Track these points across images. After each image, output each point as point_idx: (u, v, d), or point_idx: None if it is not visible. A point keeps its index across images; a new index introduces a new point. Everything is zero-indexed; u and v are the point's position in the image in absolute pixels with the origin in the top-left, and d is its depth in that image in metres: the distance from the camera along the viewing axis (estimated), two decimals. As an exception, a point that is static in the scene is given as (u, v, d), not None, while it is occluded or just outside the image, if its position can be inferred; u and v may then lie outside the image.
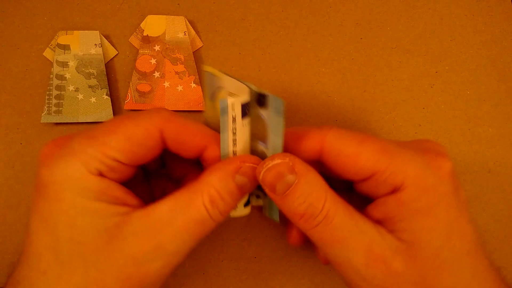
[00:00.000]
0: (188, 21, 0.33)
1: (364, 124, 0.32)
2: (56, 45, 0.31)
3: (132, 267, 0.19)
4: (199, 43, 0.33)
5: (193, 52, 0.32)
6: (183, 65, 0.32)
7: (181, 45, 0.32)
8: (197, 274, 0.28)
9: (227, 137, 0.21)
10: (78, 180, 0.19)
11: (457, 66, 0.33)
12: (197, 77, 0.32)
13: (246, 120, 0.21)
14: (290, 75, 0.32)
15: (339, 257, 0.21)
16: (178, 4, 0.34)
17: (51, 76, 0.31)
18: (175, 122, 0.21)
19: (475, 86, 0.33)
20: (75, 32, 0.32)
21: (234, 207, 0.22)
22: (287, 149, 0.22)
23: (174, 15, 0.33)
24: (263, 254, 0.29)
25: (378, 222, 0.21)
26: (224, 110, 0.20)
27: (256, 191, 0.24)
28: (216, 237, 0.29)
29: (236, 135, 0.22)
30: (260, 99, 0.21)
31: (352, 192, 0.24)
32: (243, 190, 0.21)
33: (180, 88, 0.31)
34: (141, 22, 0.32)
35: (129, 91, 0.31)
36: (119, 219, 0.19)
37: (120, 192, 0.20)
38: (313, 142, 0.22)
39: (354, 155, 0.21)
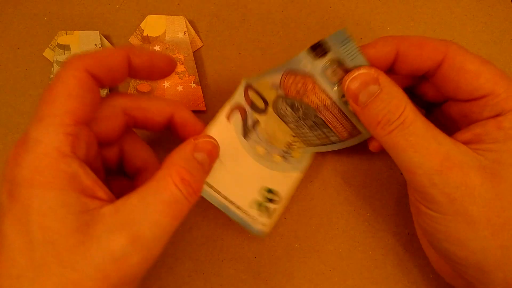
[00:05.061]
0: (188, 21, 0.33)
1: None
2: (56, 45, 0.31)
3: (110, 264, 0.18)
4: (199, 43, 0.33)
5: (193, 52, 0.32)
6: (183, 65, 0.32)
7: (181, 45, 0.32)
8: (197, 274, 0.28)
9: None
10: (47, 167, 0.18)
11: (457, 66, 0.33)
12: (197, 77, 0.32)
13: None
14: (290, 75, 0.33)
15: (411, 162, 0.21)
16: (178, 4, 0.34)
17: (51, 76, 0.31)
18: (89, 56, 0.21)
19: (475, 86, 0.33)
20: (75, 32, 0.32)
21: (202, 184, 0.22)
22: (406, 55, 0.23)
23: (174, 15, 0.33)
24: (263, 254, 0.29)
25: (466, 142, 0.21)
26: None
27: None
28: (216, 237, 0.29)
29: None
30: (316, 51, 0.23)
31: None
32: (204, 166, 0.22)
33: (180, 88, 0.31)
34: (141, 22, 0.32)
35: (129, 91, 0.31)
36: (90, 216, 0.19)
37: (89, 180, 0.19)
38: (436, 52, 0.22)
39: (475, 73, 0.21)
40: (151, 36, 0.32)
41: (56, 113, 0.19)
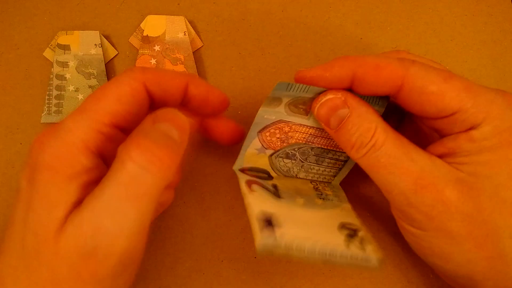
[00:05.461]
0: (188, 21, 0.33)
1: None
2: (56, 45, 0.31)
3: (78, 261, 0.17)
4: (199, 43, 0.33)
5: (193, 52, 0.32)
6: (183, 65, 0.32)
7: (181, 45, 0.32)
8: (197, 274, 0.28)
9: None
10: (65, 156, 0.18)
11: (457, 66, 0.33)
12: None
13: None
14: (290, 75, 0.32)
15: (386, 183, 0.21)
16: (178, 4, 0.34)
17: (51, 76, 0.31)
18: (152, 72, 0.21)
19: (475, 86, 0.33)
20: (75, 32, 0.32)
21: (175, 156, 0.19)
22: (362, 79, 0.21)
23: (174, 15, 0.33)
24: (263, 254, 0.29)
25: (439, 156, 0.21)
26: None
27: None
28: (216, 237, 0.29)
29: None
30: (271, 104, 0.22)
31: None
32: (174, 138, 0.19)
33: (180, 88, 0.31)
34: (141, 22, 0.32)
35: (129, 91, 0.31)
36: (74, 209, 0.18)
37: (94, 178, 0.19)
38: (394, 76, 0.21)
39: (438, 93, 0.20)
40: (151, 36, 0.32)
41: (98, 110, 0.19)
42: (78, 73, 0.31)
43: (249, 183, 0.24)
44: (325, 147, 0.25)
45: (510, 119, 0.20)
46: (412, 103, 0.21)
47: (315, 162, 0.26)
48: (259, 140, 0.24)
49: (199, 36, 0.33)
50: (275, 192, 0.24)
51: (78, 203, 0.18)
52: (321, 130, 0.24)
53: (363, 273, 0.29)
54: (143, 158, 0.17)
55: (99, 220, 0.17)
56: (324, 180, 0.28)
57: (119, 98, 0.20)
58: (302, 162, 0.26)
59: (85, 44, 0.31)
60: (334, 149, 0.25)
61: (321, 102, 0.22)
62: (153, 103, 0.22)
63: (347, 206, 0.26)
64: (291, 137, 0.24)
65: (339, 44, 0.33)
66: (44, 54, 0.32)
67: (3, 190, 0.29)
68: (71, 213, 0.18)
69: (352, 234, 0.23)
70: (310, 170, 0.26)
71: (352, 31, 0.33)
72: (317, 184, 0.27)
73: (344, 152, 0.25)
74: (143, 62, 0.31)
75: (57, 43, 0.31)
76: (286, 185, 0.25)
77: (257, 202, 0.22)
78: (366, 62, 0.21)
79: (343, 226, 0.23)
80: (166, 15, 0.32)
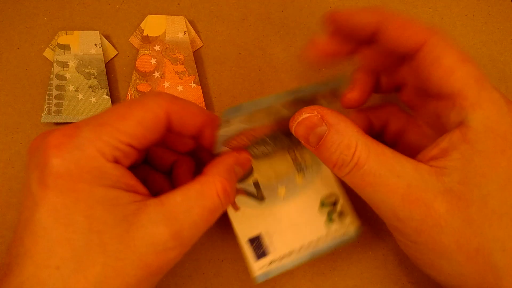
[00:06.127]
0: (188, 21, 0.33)
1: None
2: (56, 45, 0.31)
3: (152, 255, 0.19)
4: (199, 43, 0.33)
5: (193, 52, 0.32)
6: (183, 65, 0.32)
7: (181, 45, 0.32)
8: (197, 274, 0.28)
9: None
10: (95, 169, 0.19)
11: (457, 66, 0.33)
12: (197, 77, 0.32)
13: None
14: (290, 75, 0.32)
15: (373, 200, 0.21)
16: (178, 4, 0.34)
17: (51, 76, 0.31)
18: (179, 104, 0.22)
19: (475, 86, 0.33)
20: (75, 32, 0.32)
21: (235, 193, 0.24)
22: (389, 31, 0.21)
23: (174, 15, 0.33)
24: (263, 254, 0.29)
25: (433, 158, 0.21)
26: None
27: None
28: (216, 237, 0.29)
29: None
30: (221, 125, 0.22)
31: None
32: (237, 177, 0.24)
33: (180, 88, 0.31)
34: (141, 22, 0.32)
35: (129, 91, 0.31)
36: (136, 207, 0.19)
37: (132, 180, 0.20)
38: (417, 37, 0.21)
39: (448, 69, 0.20)
40: (151, 36, 0.32)
41: (120, 128, 0.20)
42: (78, 73, 0.31)
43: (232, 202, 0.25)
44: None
45: (507, 125, 0.20)
46: (421, 70, 0.21)
47: (287, 135, 0.25)
48: (230, 149, 0.24)
49: (199, 36, 0.33)
50: (258, 193, 0.26)
51: (131, 200, 0.20)
52: (286, 119, 0.23)
53: (363, 273, 0.29)
54: (224, 199, 0.21)
55: (182, 229, 0.20)
56: (300, 145, 0.27)
57: (142, 122, 0.20)
58: (275, 142, 0.25)
59: (85, 44, 0.31)
60: None
61: (297, 121, 0.21)
62: (171, 130, 0.22)
63: (325, 171, 0.27)
64: (258, 133, 0.24)
65: (339, 44, 0.33)
66: (44, 54, 0.32)
67: (3, 190, 0.29)
68: (148, 206, 0.20)
69: (331, 210, 0.25)
70: (284, 144, 0.26)
71: (352, 31, 0.33)
72: (294, 153, 0.27)
73: None
74: (143, 62, 0.31)
75: (57, 43, 0.31)
76: (266, 174, 0.26)
77: (243, 228, 0.25)
78: (394, 16, 0.22)
79: (323, 205, 0.26)
80: (166, 15, 0.32)
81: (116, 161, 0.20)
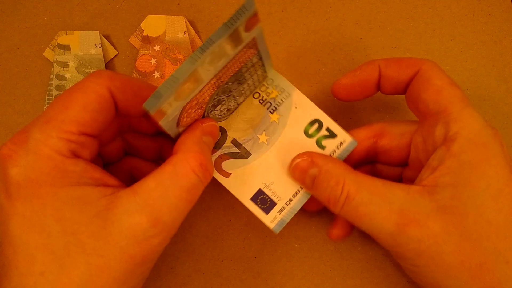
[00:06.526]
0: (188, 21, 0.33)
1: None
2: (56, 45, 0.31)
3: (134, 246, 0.19)
4: (199, 43, 0.33)
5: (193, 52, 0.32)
6: (183, 65, 0.32)
7: (181, 45, 0.32)
8: (197, 274, 0.28)
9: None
10: (53, 169, 0.18)
11: (457, 66, 0.33)
12: (197, 77, 0.32)
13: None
14: (290, 75, 0.32)
15: (370, 229, 0.22)
16: (178, 4, 0.34)
17: (51, 76, 0.31)
18: (119, 79, 0.21)
19: (475, 86, 0.33)
20: (75, 32, 0.32)
21: (212, 165, 0.23)
22: (386, 71, 0.25)
23: (174, 15, 0.33)
24: (263, 254, 0.29)
25: (425, 178, 0.22)
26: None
27: None
28: (216, 237, 0.29)
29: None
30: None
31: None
32: (210, 148, 0.23)
33: (180, 88, 0.31)
34: (141, 22, 0.32)
35: (129, 91, 0.31)
36: (107, 201, 0.19)
37: (98, 173, 0.20)
38: (412, 65, 0.24)
39: (438, 88, 0.22)
40: (151, 36, 0.32)
41: (65, 119, 0.19)
42: (78, 73, 0.31)
43: (218, 163, 0.25)
44: (234, 71, 0.23)
45: (488, 136, 0.21)
46: (415, 91, 0.24)
47: (239, 84, 0.24)
48: (183, 116, 0.22)
49: (199, 36, 0.33)
50: (241, 150, 0.25)
51: (101, 195, 0.19)
52: (220, 70, 0.22)
53: (363, 273, 0.29)
54: (202, 173, 0.20)
55: (161, 215, 0.19)
56: (261, 83, 0.26)
57: (85, 106, 0.20)
58: (230, 96, 0.25)
59: (85, 44, 0.31)
60: (240, 63, 0.23)
61: (292, 166, 0.24)
62: (118, 109, 0.22)
63: (297, 96, 0.26)
64: (203, 99, 0.23)
65: (339, 44, 0.33)
66: (44, 54, 0.32)
67: (3, 190, 0.29)
68: (120, 198, 0.19)
69: (320, 137, 0.25)
70: (242, 92, 0.25)
71: (352, 31, 0.33)
72: (259, 95, 0.26)
73: (252, 53, 0.23)
74: (143, 62, 0.31)
75: (57, 43, 0.31)
76: (240, 128, 0.26)
77: (241, 190, 0.25)
78: (388, 58, 0.25)
79: (308, 134, 0.25)
80: (166, 15, 0.32)
81: (76, 155, 0.19)
